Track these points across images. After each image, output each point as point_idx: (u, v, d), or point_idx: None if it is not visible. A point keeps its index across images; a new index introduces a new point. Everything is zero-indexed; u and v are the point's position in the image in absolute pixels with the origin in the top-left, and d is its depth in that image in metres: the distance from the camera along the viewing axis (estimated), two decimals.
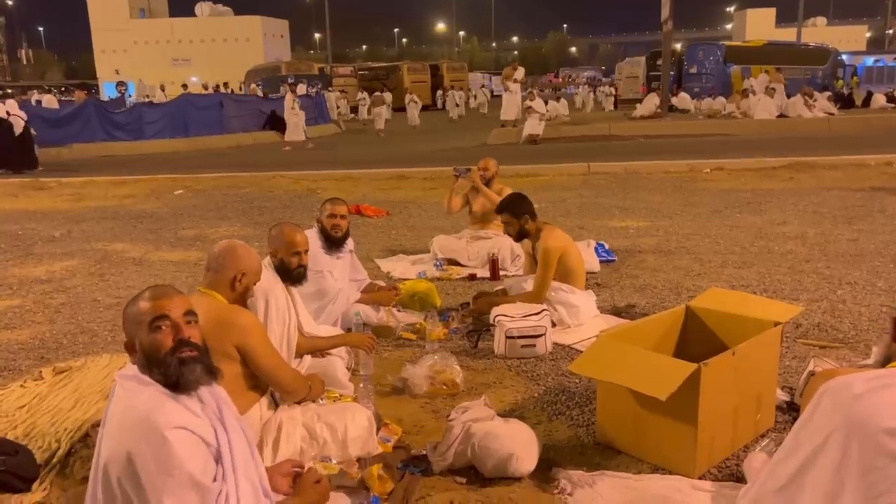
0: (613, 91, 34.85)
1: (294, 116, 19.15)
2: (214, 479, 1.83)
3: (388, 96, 32.11)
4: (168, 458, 1.74)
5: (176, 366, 1.87)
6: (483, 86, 41.52)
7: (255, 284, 2.82)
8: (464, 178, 6.28)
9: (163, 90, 29.32)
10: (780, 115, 19.98)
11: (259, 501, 1.93)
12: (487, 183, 6.16)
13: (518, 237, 4.64)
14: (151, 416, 1.77)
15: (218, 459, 1.86)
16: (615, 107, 31.75)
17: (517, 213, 4.52)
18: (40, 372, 3.94)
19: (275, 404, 2.87)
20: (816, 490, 1.87)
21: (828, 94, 23.05)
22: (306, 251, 3.41)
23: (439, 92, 35.54)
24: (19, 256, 7.06)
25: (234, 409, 2.03)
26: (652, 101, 23.17)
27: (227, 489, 1.84)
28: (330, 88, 33.38)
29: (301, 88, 25.87)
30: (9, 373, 4.06)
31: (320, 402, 3.06)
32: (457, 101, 32.39)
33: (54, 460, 2.95)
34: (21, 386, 3.77)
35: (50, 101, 21.33)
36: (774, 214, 7.86)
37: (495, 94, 29.95)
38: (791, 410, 3.20)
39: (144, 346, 1.90)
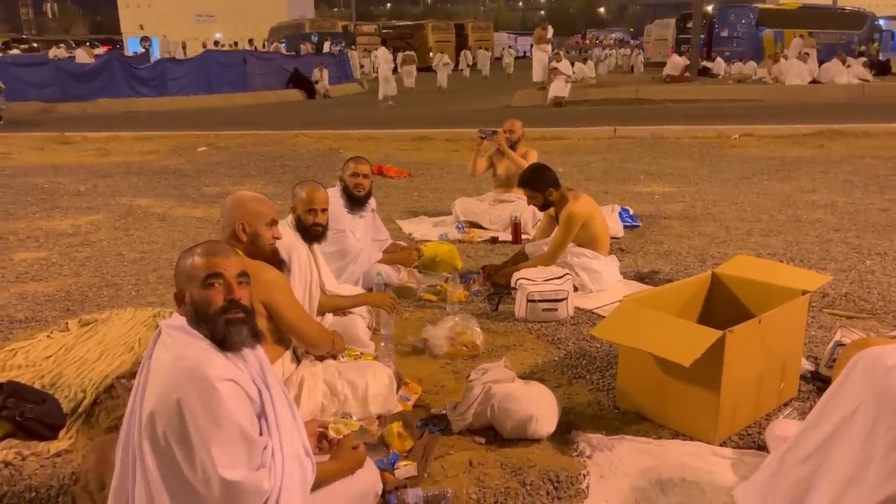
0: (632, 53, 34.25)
1: (389, 71, 19.43)
2: (260, 434, 1.85)
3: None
4: (218, 408, 1.75)
5: (223, 325, 1.89)
6: (509, 46, 40.79)
7: (265, 226, 2.73)
8: (489, 140, 6.19)
9: (184, 48, 29.22)
10: (813, 81, 19.49)
11: (301, 460, 1.94)
12: (513, 145, 6.08)
13: (543, 208, 4.57)
14: (202, 368, 1.78)
15: (261, 416, 1.88)
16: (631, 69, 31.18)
17: (539, 187, 4.43)
18: (66, 323, 4.00)
19: (297, 359, 2.89)
20: (842, 460, 1.85)
21: (863, 59, 22.40)
22: (324, 210, 3.38)
23: (463, 52, 35.08)
24: (46, 210, 7.13)
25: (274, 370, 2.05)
26: (677, 61, 22.72)
27: (271, 444, 1.86)
28: (353, 47, 33.08)
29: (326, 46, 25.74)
30: (36, 323, 4.12)
31: (341, 359, 3.07)
32: (469, 60, 32.25)
33: (80, 410, 3.01)
34: (48, 336, 3.83)
35: (82, 55, 21.35)
36: (803, 182, 7.70)
37: (526, 54, 29.67)
38: (815, 380, 3.16)
39: (195, 300, 1.91)
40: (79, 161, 10.40)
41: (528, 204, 4.72)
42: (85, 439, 2.82)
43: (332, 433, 2.39)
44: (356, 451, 2.19)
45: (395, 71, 28.99)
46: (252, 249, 2.69)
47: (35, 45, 39.22)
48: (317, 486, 2.01)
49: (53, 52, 22.95)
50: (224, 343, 1.88)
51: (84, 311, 4.32)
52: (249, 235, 2.69)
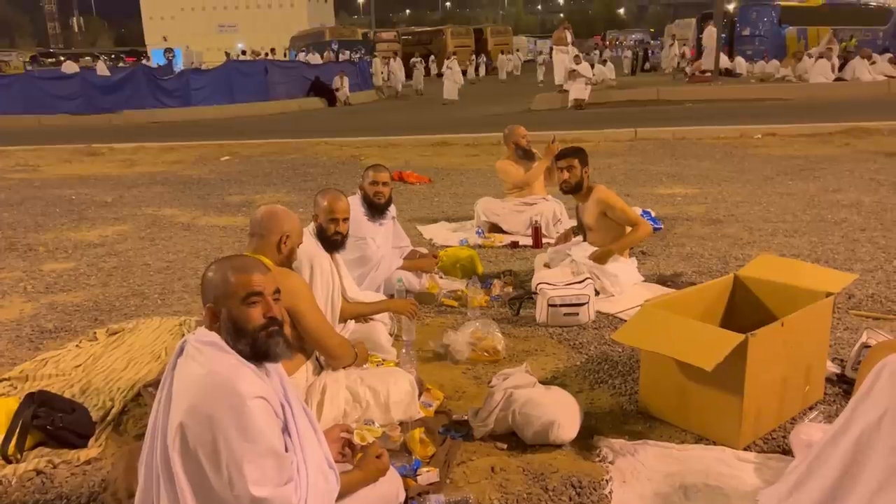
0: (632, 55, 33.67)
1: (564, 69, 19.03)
2: (287, 450, 1.88)
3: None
4: (250, 425, 1.78)
5: (264, 339, 1.93)
6: (517, 50, 41.00)
7: (298, 246, 2.85)
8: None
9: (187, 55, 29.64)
10: (838, 79, 19.21)
11: (325, 473, 1.97)
12: (529, 147, 6.11)
13: (575, 187, 4.57)
14: (235, 384, 1.81)
15: (284, 431, 1.91)
16: (633, 72, 30.77)
17: (585, 160, 4.53)
18: (94, 333, 4.08)
19: (319, 368, 2.92)
20: (871, 467, 1.83)
21: (888, 55, 22.02)
22: (345, 219, 3.41)
23: (470, 57, 35.34)
24: (74, 220, 7.26)
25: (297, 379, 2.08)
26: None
27: (296, 459, 1.89)
28: (374, 54, 33.27)
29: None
30: (65, 333, 4.20)
31: (364, 366, 3.09)
32: (473, 64, 32.63)
33: (109, 418, 3.06)
34: (77, 346, 3.90)
35: (102, 67, 21.83)
36: (828, 181, 7.61)
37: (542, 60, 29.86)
38: (841, 383, 3.13)
39: (234, 317, 1.93)
40: (105, 172, 10.57)
41: (561, 180, 4.62)
42: (114, 447, 2.87)
43: (356, 440, 2.41)
44: (380, 459, 2.20)
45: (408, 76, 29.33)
46: (283, 261, 2.77)
47: (62, 58, 39.95)
48: (341, 495, 2.03)
49: (65, 66, 23.44)
50: (266, 356, 1.93)
51: (112, 320, 4.39)
52: (289, 249, 2.76)
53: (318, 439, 2.01)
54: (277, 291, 2.02)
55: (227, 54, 31.35)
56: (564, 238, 5.04)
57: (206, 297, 2.00)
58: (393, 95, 26.99)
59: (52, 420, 2.82)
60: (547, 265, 4.63)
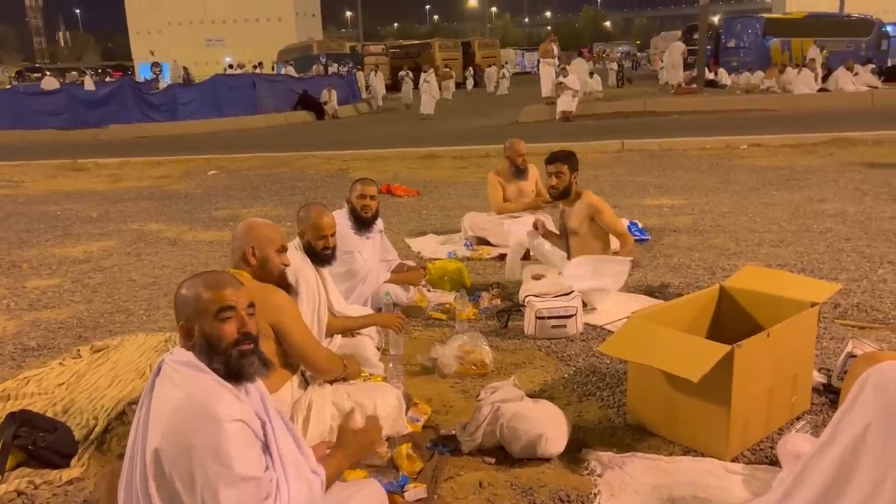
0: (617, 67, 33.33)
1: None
2: (266, 469, 1.85)
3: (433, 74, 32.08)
4: (227, 450, 1.74)
5: (236, 358, 1.88)
6: (504, 63, 41.24)
7: (275, 252, 2.74)
8: None
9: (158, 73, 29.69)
10: (821, 90, 19.44)
11: (308, 480, 1.95)
12: (524, 166, 6.09)
13: (563, 193, 4.56)
14: (212, 407, 1.77)
15: (265, 449, 1.88)
16: (619, 83, 30.58)
17: (574, 165, 4.53)
18: (78, 350, 4.03)
19: (305, 383, 2.89)
20: (857, 480, 1.83)
21: (871, 66, 22.31)
22: (333, 234, 3.40)
23: (469, 69, 35.51)
24: (58, 237, 7.21)
25: (271, 399, 2.07)
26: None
27: (276, 476, 1.86)
28: (359, 67, 33.33)
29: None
30: (48, 351, 4.16)
31: (350, 381, 3.07)
32: (455, 79, 33.10)
33: (92, 437, 3.02)
34: (60, 364, 3.86)
35: (89, 83, 21.76)
36: (813, 191, 7.66)
37: (533, 71, 29.84)
38: (828, 392, 3.13)
39: (207, 334, 1.89)
40: (91, 187, 10.51)
41: (550, 185, 4.60)
42: (97, 466, 2.83)
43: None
44: (362, 432, 2.22)
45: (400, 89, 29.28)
46: (261, 273, 2.72)
47: (48, 73, 39.83)
48: (331, 481, 2.05)
49: (45, 83, 23.26)
50: (239, 376, 1.88)
51: (96, 337, 4.35)
52: (259, 260, 2.71)
53: (300, 450, 1.99)
54: (251, 305, 1.98)
55: (186, 69, 31.32)
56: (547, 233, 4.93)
57: (179, 314, 1.96)
58: (373, 111, 26.34)
59: (34, 440, 2.78)
60: (535, 277, 4.63)
